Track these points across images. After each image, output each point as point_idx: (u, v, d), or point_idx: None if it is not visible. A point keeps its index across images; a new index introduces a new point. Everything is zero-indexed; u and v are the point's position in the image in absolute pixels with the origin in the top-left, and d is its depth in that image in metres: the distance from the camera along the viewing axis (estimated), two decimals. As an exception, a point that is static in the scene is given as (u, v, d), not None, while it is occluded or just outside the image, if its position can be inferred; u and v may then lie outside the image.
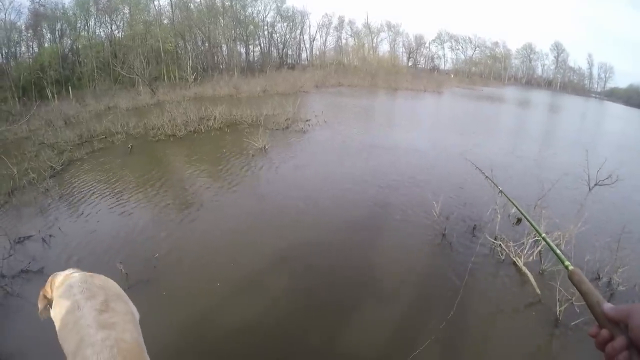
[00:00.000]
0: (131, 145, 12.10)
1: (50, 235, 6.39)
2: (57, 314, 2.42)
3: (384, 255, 6.05)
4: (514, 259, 5.73)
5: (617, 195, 9.36)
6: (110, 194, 8.33)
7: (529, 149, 14.45)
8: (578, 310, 4.61)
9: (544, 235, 1.28)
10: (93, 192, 8.39)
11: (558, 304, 4.74)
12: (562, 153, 14.17)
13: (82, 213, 7.36)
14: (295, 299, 4.90)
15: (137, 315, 2.67)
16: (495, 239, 6.22)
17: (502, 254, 6.02)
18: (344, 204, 7.99)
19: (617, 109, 51.82)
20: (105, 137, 13.53)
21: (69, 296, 2.39)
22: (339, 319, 4.54)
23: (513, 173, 10.76)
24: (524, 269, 5.44)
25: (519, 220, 7.29)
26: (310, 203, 7.93)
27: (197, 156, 11.34)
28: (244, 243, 6.24)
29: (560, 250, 5.37)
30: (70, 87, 28.70)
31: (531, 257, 5.68)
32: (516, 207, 1.81)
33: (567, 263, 1.09)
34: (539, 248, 5.80)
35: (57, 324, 2.39)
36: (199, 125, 14.88)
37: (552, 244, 1.20)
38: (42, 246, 6.13)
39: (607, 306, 0.85)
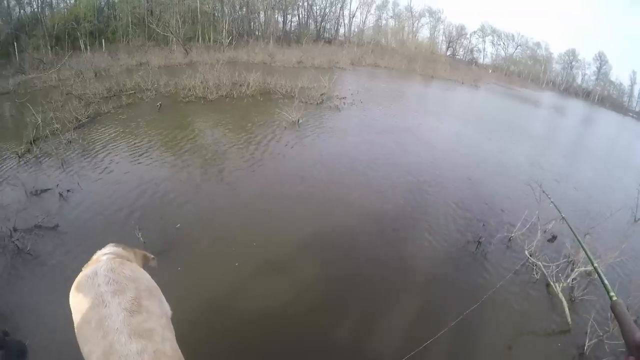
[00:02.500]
0: (160, 104, 11.80)
1: (68, 190, 6.13)
2: (76, 304, 2.02)
3: (414, 252, 5.80)
4: (552, 283, 5.27)
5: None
6: (134, 152, 8.02)
7: (555, 162, 13.55)
8: (608, 349, 4.35)
9: (596, 265, 1.45)
10: (116, 149, 8.11)
11: (588, 337, 4.39)
12: (603, 174, 13.35)
13: (103, 169, 7.08)
14: (316, 287, 4.67)
15: (170, 314, 2.28)
16: (531, 255, 5.80)
17: (536, 273, 5.61)
18: (377, 193, 7.56)
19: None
20: (135, 92, 13.20)
21: (92, 286, 2.00)
22: (357, 315, 4.36)
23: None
24: (561, 295, 5.03)
25: (553, 237, 6.76)
26: (342, 188, 7.53)
27: (227, 122, 10.97)
28: (267, 222, 5.91)
29: (594, 276, 4.95)
30: (103, 40, 28.27)
31: (567, 282, 5.28)
32: (576, 236, 1.95)
33: (612, 294, 1.23)
34: (576, 273, 5.39)
35: (75, 317, 1.99)
36: (231, 90, 14.43)
37: (602, 275, 1.31)
38: (59, 201, 5.88)
39: (638, 336, 1.01)
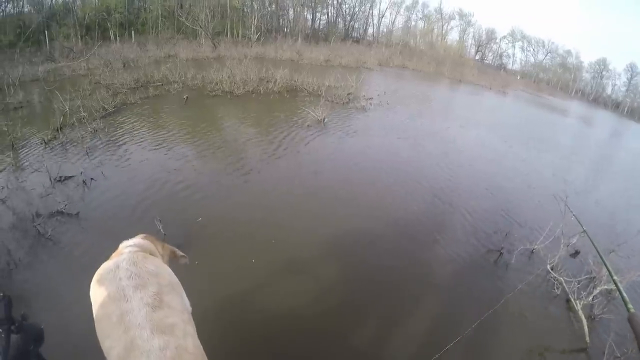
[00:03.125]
0: (187, 97, 11.80)
1: (92, 179, 6.16)
2: (96, 296, 1.96)
3: (433, 258, 5.69)
4: (573, 299, 5.12)
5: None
6: (158, 143, 8.03)
7: (581, 174, 13.22)
8: None
9: (615, 278, 1.54)
10: (141, 139, 8.12)
11: (605, 357, 4.30)
12: (631, 189, 12.95)
13: (127, 159, 7.11)
14: (333, 289, 4.59)
15: (190, 310, 2.25)
16: (552, 270, 5.68)
17: (557, 288, 5.44)
18: (399, 197, 7.43)
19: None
20: (162, 84, 13.27)
21: (114, 279, 1.95)
22: (374, 320, 4.30)
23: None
24: (581, 312, 4.88)
25: (576, 253, 6.59)
26: (363, 190, 7.40)
27: (253, 118, 10.93)
28: (287, 221, 5.84)
29: (615, 295, 5.08)
30: (133, 32, 28.67)
31: (588, 300, 5.13)
32: (598, 252, 1.87)
33: (630, 306, 1.26)
34: (597, 291, 5.27)
35: (95, 309, 1.94)
36: (258, 85, 14.45)
37: (621, 287, 1.41)
38: (82, 188, 5.91)
39: None
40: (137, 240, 2.39)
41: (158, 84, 13.22)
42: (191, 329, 1.98)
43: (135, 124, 9.03)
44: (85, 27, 27.76)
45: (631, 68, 73.50)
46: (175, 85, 13.22)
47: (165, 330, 1.78)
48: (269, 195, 6.50)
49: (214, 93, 12.95)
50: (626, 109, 70.74)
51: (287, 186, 6.93)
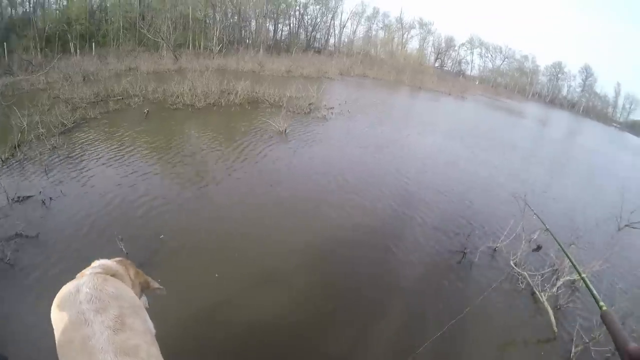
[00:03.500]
0: (147, 110, 11.80)
1: (50, 198, 6.05)
2: (57, 320, 1.95)
3: (399, 265, 5.80)
4: (537, 292, 5.40)
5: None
6: (119, 159, 7.97)
7: (538, 173, 13.84)
8: (594, 356, 4.50)
9: (584, 275, 1.42)
10: (101, 155, 8.06)
11: (574, 345, 4.57)
12: (587, 184, 13.62)
13: (87, 177, 7.00)
14: (300, 299, 4.63)
15: (154, 332, 2.24)
16: (515, 265, 5.95)
17: (521, 283, 5.73)
18: (364, 204, 7.59)
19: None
20: (122, 98, 13.21)
21: (74, 303, 1.93)
22: (342, 329, 4.33)
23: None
24: (546, 304, 5.13)
25: (538, 247, 6.92)
26: (327, 198, 7.53)
27: (214, 131, 11.01)
28: (249, 233, 5.88)
29: (579, 285, 5.21)
30: (93, 44, 28.22)
31: (553, 291, 5.40)
32: (561, 247, 1.93)
33: (601, 304, 1.21)
34: (561, 282, 5.55)
35: (57, 334, 1.92)
36: (219, 98, 14.56)
37: (591, 285, 1.30)
38: (42, 208, 5.79)
39: (632, 346, 0.98)
40: (104, 262, 2.38)
41: (118, 97, 13.15)
42: (155, 350, 1.98)
43: (95, 139, 8.98)
44: (45, 39, 27.23)
45: (585, 70, 77.58)
46: (136, 99, 13.17)
47: (129, 353, 1.77)
48: (230, 208, 6.55)
49: (175, 106, 12.97)
50: (581, 108, 74.70)
51: (247, 198, 7.02)
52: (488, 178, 11.11)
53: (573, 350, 4.48)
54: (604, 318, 1.15)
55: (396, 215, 7.38)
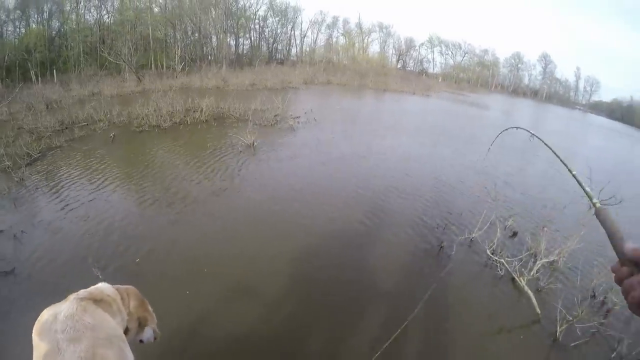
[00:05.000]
0: (113, 135, 11.80)
1: (22, 231, 6.00)
2: (35, 345, 1.97)
3: (377, 266, 5.89)
4: (516, 277, 5.62)
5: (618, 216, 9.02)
6: (87, 187, 7.93)
7: (507, 162, 14.44)
8: (579, 332, 4.65)
9: (574, 172, 1.33)
10: (71, 184, 8.03)
11: (558, 324, 4.71)
12: (553, 168, 14.11)
13: (57, 207, 6.98)
14: (276, 309, 4.70)
15: None
16: (492, 254, 6.18)
17: (500, 269, 5.92)
18: (338, 210, 7.72)
19: (601, 121, 52.88)
20: (87, 124, 13.12)
21: (50, 331, 1.94)
22: (319, 336, 4.38)
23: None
24: (526, 288, 5.34)
25: (514, 234, 7.33)
26: (302, 208, 7.65)
27: (181, 150, 11.07)
28: (225, 248, 5.94)
29: (557, 265, 5.23)
30: (55, 71, 28.05)
31: (532, 275, 5.61)
32: (550, 149, 1.78)
33: (595, 200, 1.10)
34: (539, 265, 5.77)
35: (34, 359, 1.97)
36: (185, 116, 14.61)
37: (582, 182, 1.22)
38: (14, 243, 5.73)
39: (629, 246, 0.87)
40: (100, 286, 2.43)
41: (83, 124, 13.07)
42: None
43: (62, 168, 8.96)
44: (5, 68, 26.99)
45: (544, 58, 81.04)
46: (101, 124, 13.10)
47: None
48: (202, 227, 6.56)
49: (140, 128, 12.92)
50: (544, 95, 77.32)
51: (218, 215, 7.04)
52: (459, 172, 11.50)
53: (558, 329, 4.66)
54: (599, 215, 1.05)
55: (372, 217, 7.53)
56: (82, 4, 35.53)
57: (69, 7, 34.95)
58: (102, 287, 2.41)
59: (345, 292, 5.15)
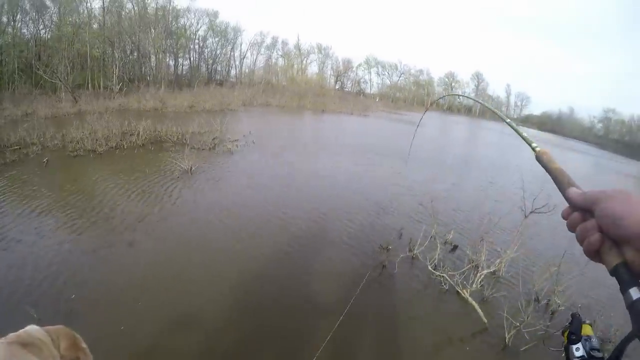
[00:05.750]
0: (47, 160, 11.52)
1: None
2: None
3: (320, 291, 5.97)
4: (460, 290, 5.86)
5: (551, 222, 9.10)
6: (17, 218, 7.52)
7: (442, 179, 15.01)
8: (527, 337, 4.98)
9: (508, 120, 1.26)
10: None
11: (506, 330, 5.01)
12: (488, 179, 15.20)
13: None
14: (220, 338, 4.71)
15: None
16: (434, 269, 6.43)
17: (444, 284, 6.17)
18: (280, 233, 7.87)
19: (533, 133, 55.91)
20: (20, 147, 12.66)
21: None
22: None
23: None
24: (470, 299, 5.60)
25: (454, 247, 7.74)
26: (242, 231, 7.74)
27: (118, 176, 10.77)
28: (165, 276, 5.89)
29: (500, 274, 6.67)
30: (-15, 88, 27.18)
31: (475, 286, 5.88)
32: (490, 108, 1.57)
33: (534, 145, 1.03)
34: (481, 277, 6.06)
35: None
36: (121, 140, 14.54)
37: (518, 128, 1.16)
38: None
39: (573, 193, 0.80)
40: (29, 328, 1.78)
41: (15, 147, 12.61)
42: None
43: None
44: None
45: (477, 76, 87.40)
46: (34, 148, 12.68)
47: None
48: (137, 257, 6.44)
49: (75, 153, 12.76)
50: (477, 111, 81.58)
51: (152, 245, 6.89)
52: (398, 190, 12.14)
53: (507, 336, 4.93)
54: (540, 159, 0.95)
55: (310, 242, 7.63)
56: (18, 16, 34.61)
57: (5, 20, 33.88)
58: (31, 329, 2.06)
59: (286, 318, 5.19)
